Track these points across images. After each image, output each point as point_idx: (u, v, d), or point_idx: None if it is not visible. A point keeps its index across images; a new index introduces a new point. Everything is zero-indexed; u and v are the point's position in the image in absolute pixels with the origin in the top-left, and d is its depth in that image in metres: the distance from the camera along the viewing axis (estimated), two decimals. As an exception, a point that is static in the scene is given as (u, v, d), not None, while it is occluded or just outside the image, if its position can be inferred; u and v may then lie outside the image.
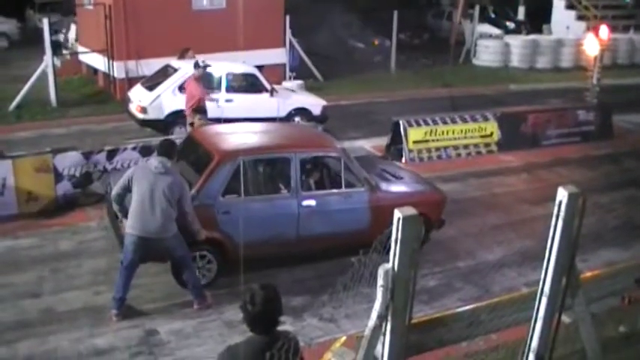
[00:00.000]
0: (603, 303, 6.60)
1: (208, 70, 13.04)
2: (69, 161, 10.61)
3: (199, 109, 12.14)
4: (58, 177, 10.51)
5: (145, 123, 14.11)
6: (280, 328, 4.09)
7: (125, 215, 7.65)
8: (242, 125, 10.57)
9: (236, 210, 8.13)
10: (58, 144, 11.89)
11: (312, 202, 8.71)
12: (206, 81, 14.17)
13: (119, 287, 7.61)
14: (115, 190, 7.63)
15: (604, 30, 16.45)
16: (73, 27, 21.73)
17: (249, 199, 8.42)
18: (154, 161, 7.47)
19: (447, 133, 14.32)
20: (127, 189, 7.52)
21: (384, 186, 9.38)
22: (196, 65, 12.74)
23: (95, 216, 10.45)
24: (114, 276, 8.49)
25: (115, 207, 7.77)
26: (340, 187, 8.91)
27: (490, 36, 28.32)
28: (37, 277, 8.54)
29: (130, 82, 16.93)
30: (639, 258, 7.73)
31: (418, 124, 14.05)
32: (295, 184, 8.62)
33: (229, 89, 14.33)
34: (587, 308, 5.21)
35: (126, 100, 15.01)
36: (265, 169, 9.12)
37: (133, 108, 14.21)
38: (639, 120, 17.95)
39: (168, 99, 13.90)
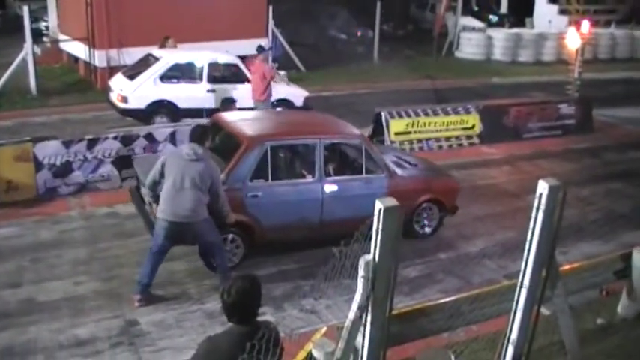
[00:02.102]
0: (581, 295, 6.69)
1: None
2: (49, 150, 10.49)
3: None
4: (39, 166, 10.40)
5: (125, 112, 13.98)
6: (261, 318, 4.10)
7: (155, 201, 7.74)
8: (265, 112, 10.84)
9: (263, 194, 8.35)
10: (38, 133, 11.79)
11: (334, 188, 8.84)
12: (189, 71, 14.15)
13: (145, 273, 7.63)
14: (150, 177, 7.68)
15: (585, 24, 16.57)
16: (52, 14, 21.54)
17: (276, 184, 8.58)
18: (186, 148, 7.54)
19: (429, 125, 14.34)
20: (162, 175, 7.57)
21: (401, 172, 9.58)
22: (261, 49, 12.97)
23: (76, 205, 10.38)
24: (95, 266, 8.49)
25: (148, 193, 7.85)
26: (361, 172, 9.07)
27: (473, 29, 28.41)
28: (17, 266, 8.45)
29: (112, 70, 16.79)
30: (618, 251, 7.78)
31: (400, 116, 14.05)
32: (319, 170, 8.76)
33: (211, 79, 14.24)
34: (566, 300, 5.26)
35: (107, 89, 14.89)
36: (291, 155, 9.36)
37: (114, 97, 14.08)
38: (619, 114, 18.12)
39: (149, 88, 13.80)
